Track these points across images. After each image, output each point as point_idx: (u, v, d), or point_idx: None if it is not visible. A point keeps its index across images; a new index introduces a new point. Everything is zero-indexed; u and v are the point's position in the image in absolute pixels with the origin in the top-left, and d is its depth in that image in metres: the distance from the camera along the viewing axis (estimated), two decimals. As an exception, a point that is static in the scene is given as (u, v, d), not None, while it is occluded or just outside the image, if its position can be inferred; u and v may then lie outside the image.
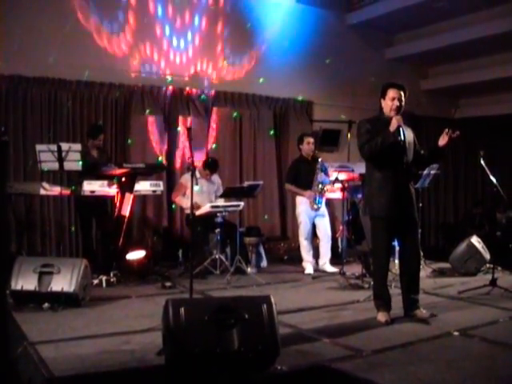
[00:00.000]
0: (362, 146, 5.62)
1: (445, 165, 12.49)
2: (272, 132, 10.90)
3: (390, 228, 5.70)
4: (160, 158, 9.64)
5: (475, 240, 8.60)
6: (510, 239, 9.21)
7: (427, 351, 4.80)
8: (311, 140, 8.85)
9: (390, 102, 5.66)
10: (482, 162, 7.17)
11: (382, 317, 5.68)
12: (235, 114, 10.50)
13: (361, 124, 5.82)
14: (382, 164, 5.64)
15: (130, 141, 9.48)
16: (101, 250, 8.48)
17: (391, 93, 5.66)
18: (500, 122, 13.55)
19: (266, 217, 10.69)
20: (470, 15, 10.87)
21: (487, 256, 8.52)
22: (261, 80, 10.66)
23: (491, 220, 11.58)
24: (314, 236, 8.97)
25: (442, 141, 5.77)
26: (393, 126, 5.50)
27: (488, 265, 8.42)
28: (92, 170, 7.67)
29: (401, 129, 5.54)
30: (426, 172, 8.42)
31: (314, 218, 8.77)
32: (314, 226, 8.87)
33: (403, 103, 5.68)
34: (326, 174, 8.68)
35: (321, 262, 8.85)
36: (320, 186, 8.60)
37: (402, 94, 5.67)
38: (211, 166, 8.91)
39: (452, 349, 4.86)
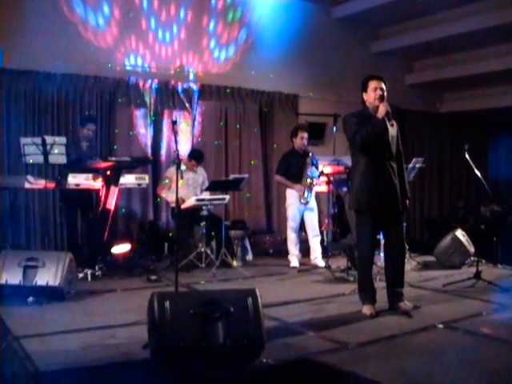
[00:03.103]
0: (353, 136, 5.61)
1: (429, 158, 12.55)
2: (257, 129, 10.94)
3: (374, 221, 5.71)
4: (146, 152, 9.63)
5: (460, 233, 8.64)
6: (493, 232, 9.29)
7: (412, 344, 4.83)
8: (305, 135, 8.79)
9: (372, 92, 5.67)
10: (467, 155, 7.19)
11: (366, 310, 5.70)
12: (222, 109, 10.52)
13: (346, 118, 5.83)
14: (367, 157, 5.64)
15: (115, 133, 9.44)
16: (86, 244, 8.43)
17: (372, 84, 5.69)
18: (484, 117, 13.66)
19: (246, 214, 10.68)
20: (455, 10, 10.93)
21: (471, 249, 8.57)
22: (252, 72, 10.67)
23: (475, 214, 11.67)
24: (300, 229, 8.99)
25: None
26: (381, 113, 5.53)
27: (472, 258, 8.46)
28: (77, 164, 7.64)
29: (390, 115, 5.55)
30: (410, 165, 8.45)
31: (303, 211, 8.77)
32: (302, 220, 8.88)
33: (385, 93, 5.69)
34: (317, 167, 8.67)
35: (312, 256, 8.85)
36: (309, 180, 8.60)
37: (383, 84, 5.70)
38: (197, 156, 8.91)
39: (436, 341, 4.90)
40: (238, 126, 10.75)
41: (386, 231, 5.92)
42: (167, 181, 8.71)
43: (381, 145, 5.62)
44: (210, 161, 10.13)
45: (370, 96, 5.69)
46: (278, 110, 11.22)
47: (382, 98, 5.63)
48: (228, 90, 10.54)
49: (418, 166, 8.69)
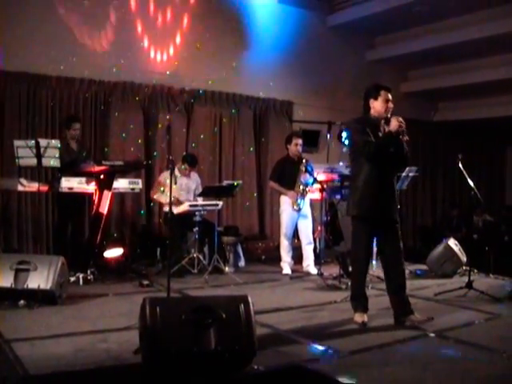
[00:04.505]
0: (363, 145, 5.53)
1: (423, 167, 12.58)
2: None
3: (372, 229, 5.69)
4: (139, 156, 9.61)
5: (452, 242, 8.66)
6: (486, 242, 9.30)
7: (403, 352, 4.83)
8: (299, 141, 8.79)
9: (384, 103, 5.64)
10: (460, 165, 7.21)
11: (358, 317, 5.68)
12: (216, 115, 10.52)
13: (351, 124, 5.81)
14: (371, 165, 5.58)
15: (109, 137, 9.43)
16: (74, 248, 8.39)
17: (385, 95, 5.66)
18: (478, 126, 13.71)
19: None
20: (451, 19, 10.97)
21: (464, 258, 8.59)
22: (247, 78, 10.67)
23: (468, 223, 11.69)
24: (293, 236, 8.98)
25: None
26: (394, 127, 5.47)
27: (464, 267, 8.49)
28: (71, 167, 7.62)
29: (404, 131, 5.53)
30: (404, 174, 8.48)
31: (297, 218, 8.77)
32: (296, 227, 8.87)
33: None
34: (311, 174, 8.63)
35: (304, 264, 8.84)
36: (302, 186, 8.60)
37: (390, 96, 5.69)
38: (190, 161, 8.88)
39: (427, 350, 4.90)
40: (232, 132, 10.75)
41: (383, 240, 5.84)
42: (162, 189, 8.66)
43: (386, 154, 5.59)
44: (203, 166, 10.13)
45: (380, 106, 5.64)
46: (273, 117, 11.23)
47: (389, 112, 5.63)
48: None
49: (411, 174, 8.72)
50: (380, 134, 5.60)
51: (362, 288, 5.82)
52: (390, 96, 5.69)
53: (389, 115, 5.61)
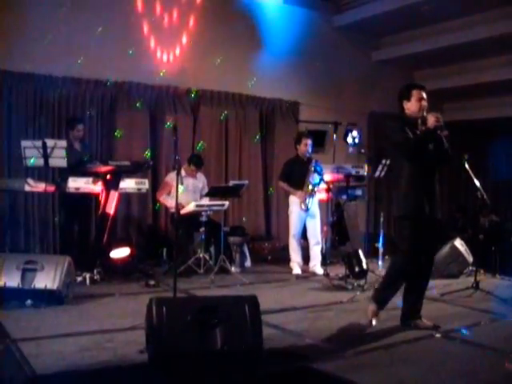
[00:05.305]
0: (405, 139, 5.47)
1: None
2: (257, 137, 10.93)
3: (416, 228, 5.50)
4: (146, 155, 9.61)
5: (458, 243, 8.66)
6: (492, 242, 9.27)
7: (409, 353, 4.83)
8: (308, 142, 8.81)
9: (417, 102, 5.55)
10: (466, 165, 7.20)
11: (373, 314, 5.59)
12: (222, 115, 10.51)
13: (389, 122, 5.76)
14: (413, 163, 5.51)
15: (115, 138, 9.44)
16: (81, 248, 8.41)
17: (418, 94, 5.58)
18: (484, 127, 13.67)
19: (244, 219, 10.64)
20: (457, 20, 10.94)
21: (470, 259, 8.59)
22: (253, 79, 10.68)
23: (474, 223, 11.66)
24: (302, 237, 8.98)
25: None
26: (431, 123, 5.39)
27: (471, 267, 8.49)
28: (77, 167, 7.64)
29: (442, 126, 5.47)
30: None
31: (305, 218, 8.78)
32: (304, 227, 8.87)
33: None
34: (319, 173, 8.61)
35: (311, 264, 8.84)
36: (310, 186, 8.60)
37: (425, 94, 5.62)
38: (196, 161, 8.90)
39: (433, 351, 4.90)
40: (238, 133, 10.75)
41: (423, 243, 5.63)
42: (172, 194, 8.63)
43: (426, 151, 5.52)
44: (209, 166, 10.13)
45: (415, 105, 5.56)
46: (279, 117, 11.22)
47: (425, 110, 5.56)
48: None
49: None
50: (418, 133, 5.53)
51: (393, 295, 5.65)
52: (423, 94, 5.59)
53: (425, 113, 5.51)
